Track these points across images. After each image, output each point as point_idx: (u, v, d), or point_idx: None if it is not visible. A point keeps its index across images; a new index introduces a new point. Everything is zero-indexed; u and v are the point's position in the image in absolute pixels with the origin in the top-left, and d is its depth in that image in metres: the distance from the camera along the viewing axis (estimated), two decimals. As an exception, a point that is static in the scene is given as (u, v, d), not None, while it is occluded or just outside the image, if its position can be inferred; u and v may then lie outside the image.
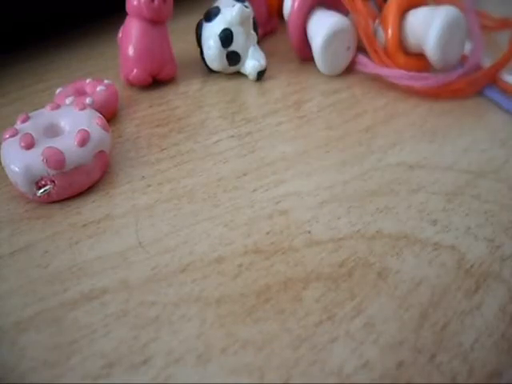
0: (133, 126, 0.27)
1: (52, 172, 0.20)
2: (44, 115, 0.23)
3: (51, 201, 0.21)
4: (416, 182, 0.22)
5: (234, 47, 0.30)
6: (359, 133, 0.26)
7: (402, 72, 0.28)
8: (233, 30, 0.29)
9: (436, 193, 0.22)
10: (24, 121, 0.22)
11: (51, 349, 0.16)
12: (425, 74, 0.28)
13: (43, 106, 0.23)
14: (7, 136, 0.21)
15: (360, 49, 0.31)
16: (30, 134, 0.21)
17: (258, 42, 0.32)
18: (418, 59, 0.30)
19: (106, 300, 0.17)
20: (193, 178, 0.23)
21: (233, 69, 0.31)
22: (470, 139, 0.25)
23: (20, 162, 0.20)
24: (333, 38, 0.29)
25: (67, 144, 0.21)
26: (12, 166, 0.20)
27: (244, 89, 0.31)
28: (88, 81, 0.28)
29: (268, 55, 0.31)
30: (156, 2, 0.27)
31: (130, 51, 0.29)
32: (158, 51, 0.29)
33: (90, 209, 0.21)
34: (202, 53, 0.31)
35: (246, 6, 0.30)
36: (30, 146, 0.21)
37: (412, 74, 0.28)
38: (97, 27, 0.38)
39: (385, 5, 0.30)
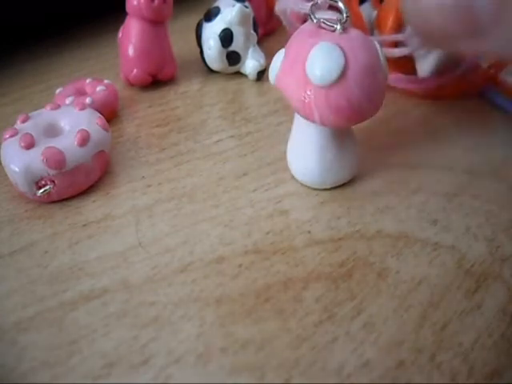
0: (133, 126, 0.27)
1: (52, 172, 0.20)
2: (44, 115, 0.23)
3: (51, 201, 0.21)
4: (416, 182, 0.22)
5: (234, 47, 0.30)
6: (359, 132, 0.26)
7: (399, 75, 0.28)
8: (233, 29, 0.29)
9: (436, 193, 0.22)
10: (24, 121, 0.22)
11: (51, 349, 0.16)
12: (423, 77, 0.28)
13: (43, 106, 0.23)
14: (7, 136, 0.21)
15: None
16: (30, 134, 0.21)
17: (258, 42, 0.32)
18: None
19: (106, 300, 0.17)
20: (193, 178, 0.23)
21: (233, 69, 0.31)
22: (470, 139, 0.25)
23: (20, 161, 0.20)
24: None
25: (67, 144, 0.21)
26: (12, 166, 0.20)
27: (244, 89, 0.31)
28: (88, 81, 0.28)
29: (268, 55, 0.31)
30: (156, 2, 0.27)
31: (130, 51, 0.29)
32: (157, 51, 0.29)
33: (90, 209, 0.21)
34: (202, 53, 0.31)
35: (246, 6, 0.30)
36: (30, 145, 0.21)
37: (409, 77, 0.28)
38: (97, 27, 0.38)
39: (380, 6, 0.30)
